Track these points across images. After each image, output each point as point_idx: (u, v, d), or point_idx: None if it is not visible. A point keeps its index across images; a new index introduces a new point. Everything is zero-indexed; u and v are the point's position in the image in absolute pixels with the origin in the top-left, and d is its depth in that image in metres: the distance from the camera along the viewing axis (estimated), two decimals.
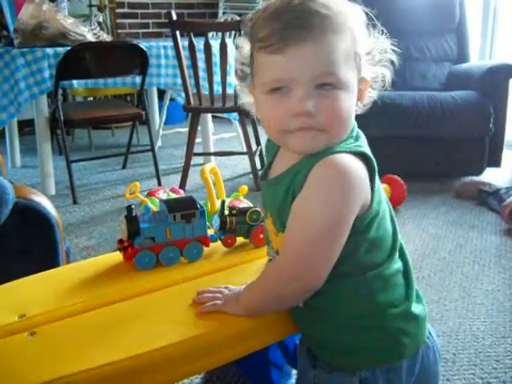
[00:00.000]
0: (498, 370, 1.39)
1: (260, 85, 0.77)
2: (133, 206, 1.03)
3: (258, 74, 0.78)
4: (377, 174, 0.78)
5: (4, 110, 2.66)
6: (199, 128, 2.95)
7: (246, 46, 0.81)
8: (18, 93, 2.63)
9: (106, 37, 3.10)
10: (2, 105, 2.65)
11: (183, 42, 2.63)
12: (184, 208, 1.05)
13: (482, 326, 1.59)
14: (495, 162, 2.93)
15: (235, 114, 3.07)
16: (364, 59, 0.78)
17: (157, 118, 3.89)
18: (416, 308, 0.84)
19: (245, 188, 1.38)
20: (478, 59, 3.80)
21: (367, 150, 0.79)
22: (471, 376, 1.36)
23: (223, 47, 2.58)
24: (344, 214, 0.74)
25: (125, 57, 2.78)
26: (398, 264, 0.84)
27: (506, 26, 3.84)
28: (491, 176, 2.89)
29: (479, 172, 2.91)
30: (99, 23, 3.57)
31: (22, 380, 0.72)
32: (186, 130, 3.45)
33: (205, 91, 2.73)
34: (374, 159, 0.78)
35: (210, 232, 1.11)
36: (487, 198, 2.58)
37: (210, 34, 2.61)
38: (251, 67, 0.80)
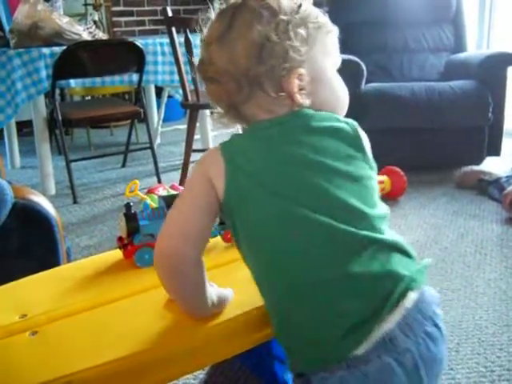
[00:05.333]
0: (502, 359, 1.38)
1: (332, 64, 0.84)
2: (131, 204, 1.03)
3: (329, 54, 0.83)
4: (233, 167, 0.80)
5: (1, 111, 2.65)
6: (198, 124, 2.94)
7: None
8: (15, 94, 2.62)
9: (101, 35, 3.09)
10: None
11: (179, 39, 2.62)
12: None
13: (485, 315, 1.59)
14: (495, 150, 2.92)
15: None
16: None
17: (155, 116, 3.88)
18: None
19: None
20: (475, 49, 3.79)
21: (234, 142, 0.85)
22: (475, 365, 1.36)
23: None
24: (191, 181, 0.84)
25: (121, 55, 2.78)
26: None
27: (502, 15, 3.82)
28: (491, 165, 2.89)
29: (479, 161, 2.90)
30: (95, 22, 3.56)
31: (23, 379, 0.72)
32: (184, 126, 3.42)
33: (202, 87, 2.72)
34: (232, 154, 0.82)
35: None
36: (488, 187, 2.58)
37: None
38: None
